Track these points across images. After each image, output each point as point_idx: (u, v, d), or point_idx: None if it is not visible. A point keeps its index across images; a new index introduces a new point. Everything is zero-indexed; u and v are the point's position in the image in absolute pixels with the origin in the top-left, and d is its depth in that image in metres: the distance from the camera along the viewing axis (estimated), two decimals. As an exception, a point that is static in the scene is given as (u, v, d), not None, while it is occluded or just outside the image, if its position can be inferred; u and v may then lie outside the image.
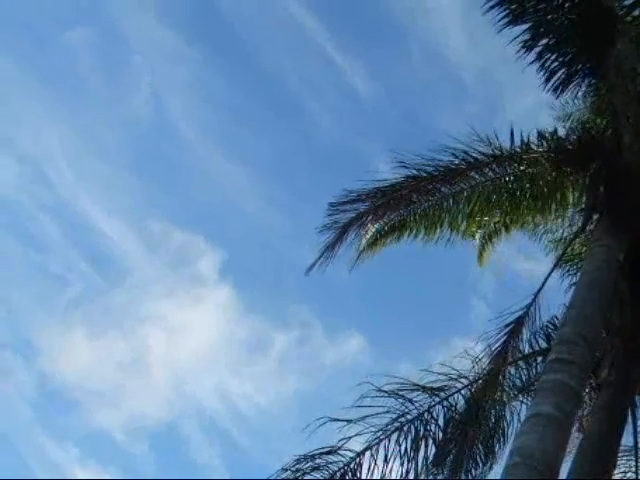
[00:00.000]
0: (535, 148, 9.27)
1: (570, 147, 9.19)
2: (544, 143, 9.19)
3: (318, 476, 8.77)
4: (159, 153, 22.83)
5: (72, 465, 22.68)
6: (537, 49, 9.25)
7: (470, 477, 9.13)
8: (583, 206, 9.19)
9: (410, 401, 9.00)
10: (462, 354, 9.27)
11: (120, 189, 22.50)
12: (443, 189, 9.77)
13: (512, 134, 9.27)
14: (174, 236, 22.74)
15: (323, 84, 21.18)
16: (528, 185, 9.55)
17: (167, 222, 22.81)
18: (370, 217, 9.97)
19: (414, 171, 9.61)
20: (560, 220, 10.90)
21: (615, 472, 9.18)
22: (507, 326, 9.47)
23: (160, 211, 22.93)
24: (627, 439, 9.30)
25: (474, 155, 9.38)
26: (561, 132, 9.38)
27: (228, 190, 22.00)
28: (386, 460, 8.84)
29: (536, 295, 9.25)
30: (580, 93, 9.64)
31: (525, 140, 9.24)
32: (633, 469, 9.59)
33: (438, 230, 9.99)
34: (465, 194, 9.65)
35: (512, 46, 9.18)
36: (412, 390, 9.03)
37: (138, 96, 21.91)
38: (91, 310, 23.45)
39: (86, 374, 22.99)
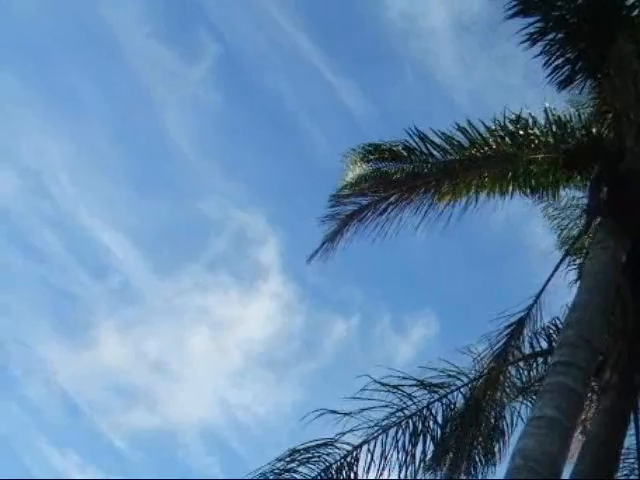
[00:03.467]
0: (538, 133, 9.26)
1: (572, 149, 9.19)
2: (550, 130, 9.20)
3: (314, 468, 8.75)
4: (158, 169, 23.27)
5: (72, 471, 22.80)
6: (543, 43, 9.24)
7: (469, 477, 9.14)
8: (585, 208, 9.18)
9: (409, 396, 8.98)
10: (464, 351, 9.28)
11: (119, 203, 22.91)
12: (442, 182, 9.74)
13: (518, 118, 9.25)
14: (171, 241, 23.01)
15: (319, 104, 21.77)
16: (522, 177, 9.56)
17: (160, 234, 23.11)
18: (371, 211, 9.95)
19: (414, 153, 9.62)
20: (563, 216, 10.94)
21: (618, 474, 9.18)
22: (508, 327, 9.46)
23: (157, 223, 23.20)
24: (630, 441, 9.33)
25: (477, 144, 9.38)
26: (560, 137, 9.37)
27: (225, 206, 22.36)
28: (383, 455, 8.82)
29: (538, 296, 9.25)
30: (583, 93, 9.63)
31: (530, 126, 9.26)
32: (636, 472, 9.59)
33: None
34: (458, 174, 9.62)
35: (514, 49, 9.19)
36: (411, 385, 9.01)
37: (137, 112, 22.30)
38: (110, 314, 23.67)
39: (100, 379, 23.21)
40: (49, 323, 24.35)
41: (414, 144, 9.55)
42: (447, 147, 9.45)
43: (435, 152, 9.50)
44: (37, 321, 23.90)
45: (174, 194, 22.80)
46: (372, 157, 9.82)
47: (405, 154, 9.62)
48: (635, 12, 8.87)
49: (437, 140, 9.47)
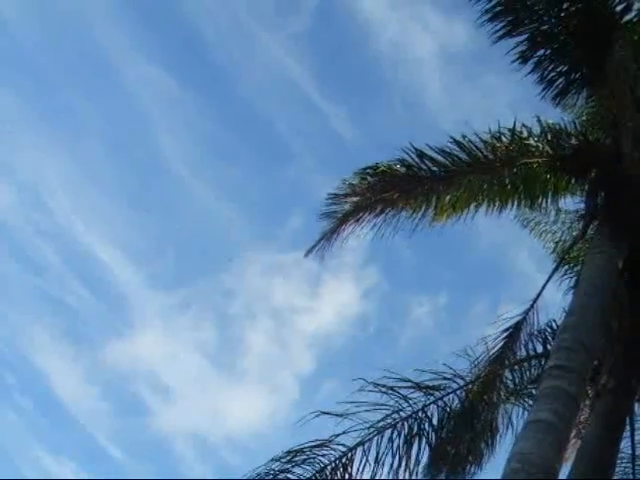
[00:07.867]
0: (534, 143, 9.30)
1: (569, 154, 9.22)
2: (545, 139, 9.24)
3: (309, 469, 8.77)
4: (153, 189, 23.72)
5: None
6: (534, 60, 9.27)
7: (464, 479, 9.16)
8: (582, 212, 9.21)
9: (405, 399, 8.99)
10: (461, 354, 9.29)
11: (114, 218, 23.36)
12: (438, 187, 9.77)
13: (513, 127, 9.29)
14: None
15: (309, 129, 22.18)
16: (521, 185, 9.59)
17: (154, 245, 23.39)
18: (367, 212, 9.97)
19: (411, 170, 9.64)
20: (559, 224, 10.95)
21: (613, 478, 9.21)
22: (505, 331, 9.47)
23: (151, 238, 23.48)
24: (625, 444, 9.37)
25: (474, 154, 9.41)
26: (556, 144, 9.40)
27: (218, 227, 22.63)
28: (378, 457, 8.83)
29: (535, 300, 9.24)
30: (579, 101, 9.67)
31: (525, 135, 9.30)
32: (631, 476, 9.62)
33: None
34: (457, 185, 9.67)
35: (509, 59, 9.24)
36: (407, 387, 9.01)
37: (132, 130, 22.73)
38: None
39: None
40: (48, 333, 24.60)
41: (411, 161, 9.58)
42: (445, 161, 9.48)
43: (434, 168, 9.54)
44: (34, 331, 24.16)
45: (166, 210, 23.12)
46: (370, 179, 9.86)
47: (403, 170, 9.65)
48: (629, 16, 8.91)
49: (434, 155, 9.50)
